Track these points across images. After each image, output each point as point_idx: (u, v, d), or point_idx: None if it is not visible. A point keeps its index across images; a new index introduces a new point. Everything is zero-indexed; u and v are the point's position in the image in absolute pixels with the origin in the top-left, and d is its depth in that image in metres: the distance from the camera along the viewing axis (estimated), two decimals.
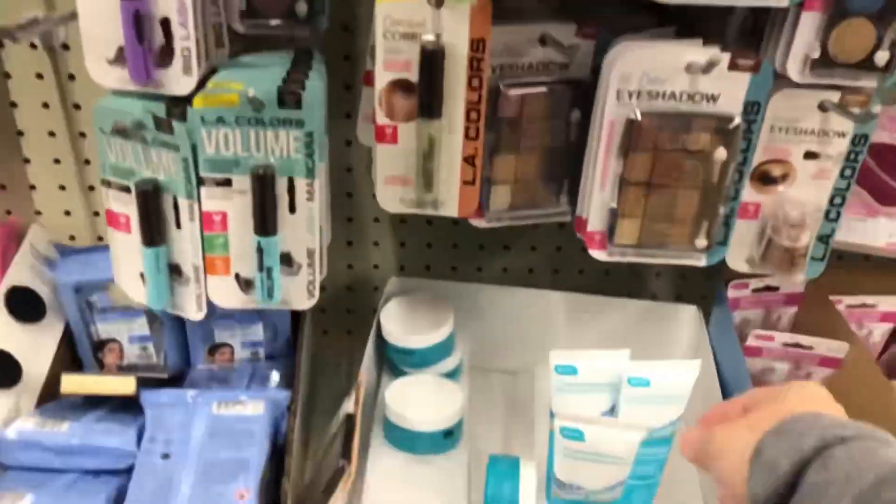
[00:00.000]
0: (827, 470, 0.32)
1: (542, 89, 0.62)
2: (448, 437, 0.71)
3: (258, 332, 0.78)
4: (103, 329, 0.77)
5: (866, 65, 0.56)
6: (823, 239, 0.66)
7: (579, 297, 0.85)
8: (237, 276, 0.60)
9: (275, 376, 0.76)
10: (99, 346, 0.77)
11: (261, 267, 0.58)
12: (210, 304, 0.62)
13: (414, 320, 0.78)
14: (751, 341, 0.72)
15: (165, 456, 0.63)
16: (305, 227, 0.58)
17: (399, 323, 0.77)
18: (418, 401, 0.72)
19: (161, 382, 0.76)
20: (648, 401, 0.61)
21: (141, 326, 0.77)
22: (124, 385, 0.67)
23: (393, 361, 0.79)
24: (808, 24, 0.56)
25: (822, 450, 0.33)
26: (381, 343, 0.78)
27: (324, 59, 0.65)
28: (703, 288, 0.88)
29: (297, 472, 0.70)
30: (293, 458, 0.66)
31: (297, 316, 0.81)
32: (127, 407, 0.69)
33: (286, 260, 0.59)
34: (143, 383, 0.70)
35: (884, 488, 0.29)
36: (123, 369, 0.78)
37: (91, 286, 0.74)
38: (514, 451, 0.77)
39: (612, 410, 0.64)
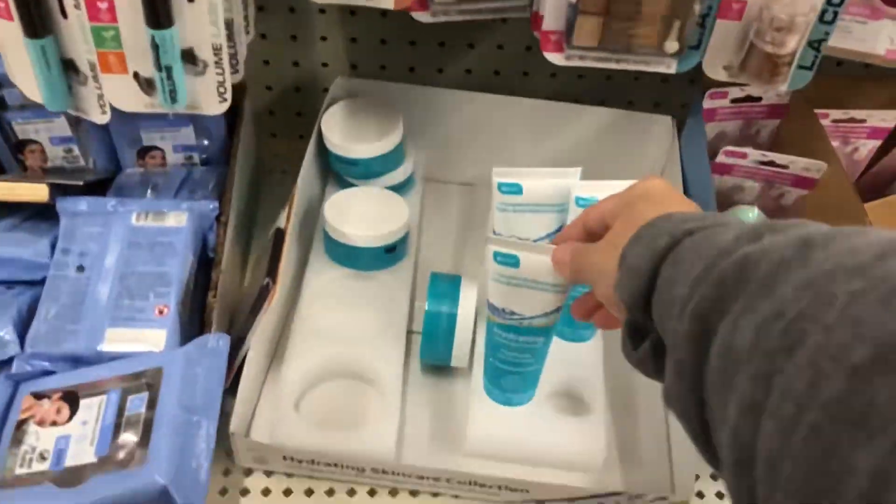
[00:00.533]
0: (676, 263, 0.33)
1: None
2: (390, 253, 0.67)
3: (189, 135, 0.72)
4: (20, 129, 0.70)
5: None
6: (814, 45, 0.58)
7: (547, 104, 0.78)
8: (136, 76, 0.53)
9: (208, 183, 0.70)
10: (18, 147, 0.71)
11: (158, 65, 0.51)
12: None
13: (359, 127, 0.71)
14: (721, 158, 0.65)
15: (80, 268, 0.59)
16: (207, 17, 0.50)
17: (342, 130, 0.71)
18: (359, 215, 0.67)
19: (92, 186, 0.71)
20: None
21: (61, 127, 0.70)
22: (36, 191, 0.62)
23: (337, 172, 0.74)
24: None
25: (672, 246, 0.34)
26: (325, 151, 0.72)
27: None
28: (686, 95, 0.80)
29: (231, 286, 0.67)
30: (221, 272, 0.62)
31: (234, 118, 0.74)
32: (44, 215, 0.64)
33: (188, 57, 0.52)
34: (69, 188, 0.65)
35: (718, 263, 0.30)
36: (49, 172, 0.73)
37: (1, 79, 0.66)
38: (465, 268, 0.74)
39: (559, 231, 0.59)
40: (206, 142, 0.73)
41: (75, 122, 0.70)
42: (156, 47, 0.50)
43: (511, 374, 0.57)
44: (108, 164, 0.74)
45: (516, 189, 0.57)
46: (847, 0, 0.55)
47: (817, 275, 0.26)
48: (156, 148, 0.73)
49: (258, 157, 0.82)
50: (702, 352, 0.30)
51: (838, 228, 0.29)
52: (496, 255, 0.50)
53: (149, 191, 0.70)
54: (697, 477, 0.58)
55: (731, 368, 0.27)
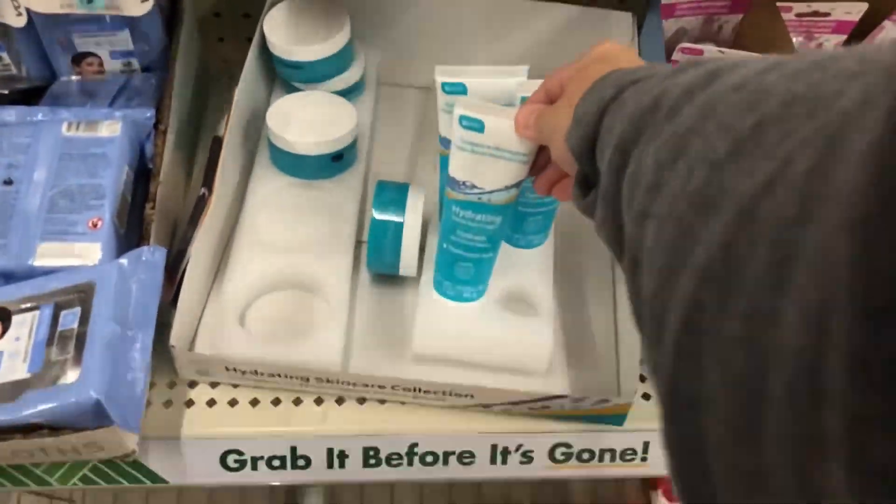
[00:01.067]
0: (619, 109, 0.34)
1: None
2: (337, 161, 0.65)
3: (126, 40, 0.68)
4: None
5: None
6: None
7: (505, 0, 0.74)
8: None
9: (147, 91, 0.67)
10: None
11: None
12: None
13: (303, 28, 0.68)
14: (677, 56, 0.63)
15: (7, 182, 0.57)
16: None
17: (285, 32, 0.67)
18: (304, 121, 0.64)
19: (27, 95, 0.68)
20: None
21: None
22: None
23: (283, 77, 0.71)
24: None
25: (617, 94, 0.35)
26: (269, 55, 0.69)
27: None
28: None
29: (173, 197, 0.65)
30: (160, 183, 0.60)
31: (173, 21, 0.71)
32: None
33: None
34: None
35: (642, 100, 0.32)
36: None
37: None
38: (418, 173, 0.72)
39: None
40: (144, 47, 0.69)
41: (3, 30, 0.66)
42: None
43: (464, 262, 0.56)
44: (42, 72, 0.70)
45: (460, 88, 0.54)
46: None
47: (711, 96, 0.28)
48: (92, 54, 0.69)
49: (203, 61, 0.78)
50: (619, 180, 0.32)
51: (749, 57, 0.31)
52: (462, 118, 0.49)
53: (84, 99, 0.67)
54: (643, 379, 0.59)
55: (634, 189, 0.30)
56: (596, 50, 0.43)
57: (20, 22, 0.53)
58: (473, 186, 0.51)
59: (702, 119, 0.27)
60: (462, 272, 0.57)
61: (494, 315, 0.59)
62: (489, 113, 0.48)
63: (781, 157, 0.22)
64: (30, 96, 0.69)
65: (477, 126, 0.48)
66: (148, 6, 0.52)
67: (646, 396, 0.60)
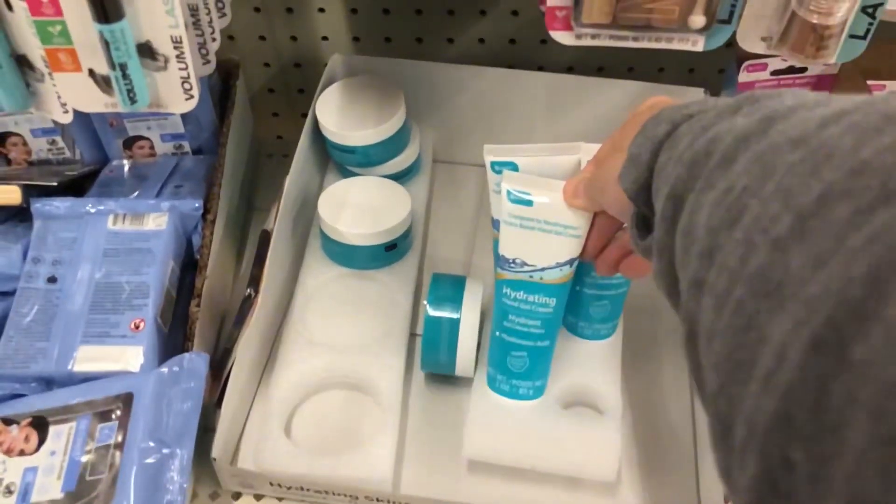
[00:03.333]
0: (671, 147, 0.32)
1: None
2: (391, 251, 0.62)
3: (177, 123, 0.67)
4: None
5: None
6: (869, 10, 0.49)
7: (566, 77, 0.71)
8: (92, 73, 0.48)
9: (198, 174, 0.66)
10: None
11: (111, 63, 0.45)
12: None
13: (356, 111, 0.65)
14: None
15: (52, 279, 0.55)
16: (162, 6, 0.44)
17: (338, 115, 0.65)
18: (356, 209, 0.61)
19: (79, 181, 0.67)
20: None
21: (41, 118, 0.66)
22: (7, 194, 0.58)
23: (336, 160, 0.68)
24: None
25: (672, 130, 0.33)
26: (321, 137, 0.66)
27: None
28: (724, 61, 0.72)
29: (221, 290, 0.62)
30: (206, 278, 0.58)
31: (226, 102, 0.69)
32: (20, 216, 0.60)
33: (146, 52, 0.46)
34: (44, 190, 0.60)
35: (695, 142, 0.29)
36: (34, 165, 0.69)
37: None
38: (478, 257, 0.68)
39: None
40: (196, 129, 0.68)
41: None
42: (106, 43, 0.45)
43: (517, 350, 0.52)
44: (95, 155, 0.69)
45: (511, 167, 0.51)
46: None
47: (767, 148, 0.25)
48: (143, 138, 0.68)
49: (257, 139, 0.77)
50: (672, 232, 0.30)
51: (806, 98, 0.27)
52: (509, 192, 0.46)
53: (135, 184, 0.66)
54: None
55: (689, 246, 0.27)
56: (646, 103, 0.41)
57: (66, 119, 0.51)
58: (524, 264, 0.48)
59: (759, 178, 0.25)
60: (516, 363, 0.53)
61: (554, 414, 0.54)
62: (537, 186, 0.46)
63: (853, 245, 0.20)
64: (82, 180, 0.68)
65: (525, 200, 0.46)
66: (193, 104, 0.49)
67: None
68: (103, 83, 0.48)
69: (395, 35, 0.75)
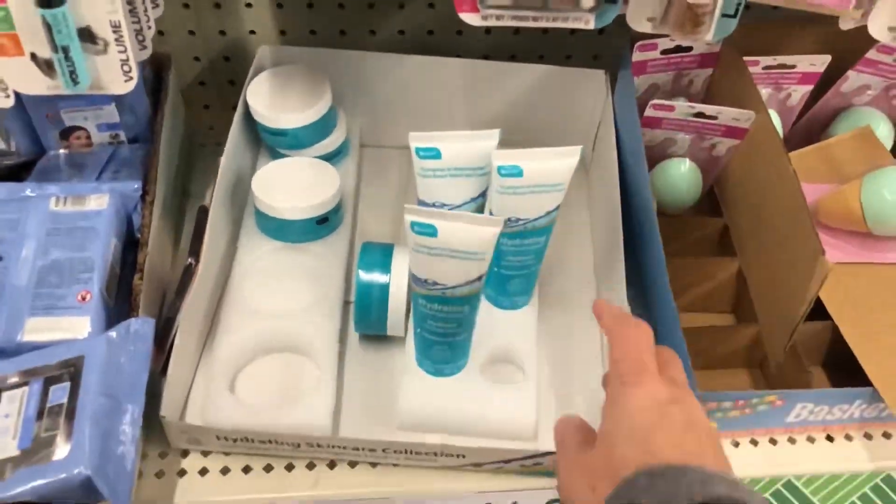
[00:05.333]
0: None
1: None
2: (322, 224, 0.66)
3: (112, 113, 0.70)
4: None
5: None
6: None
7: (480, 63, 0.76)
8: (34, 57, 0.51)
9: (134, 161, 0.69)
10: None
11: (54, 47, 0.49)
12: None
13: (285, 96, 0.69)
14: (649, 112, 0.65)
15: None
16: None
17: (268, 100, 0.69)
18: (288, 186, 0.66)
19: (15, 170, 0.69)
20: (522, 191, 0.55)
21: None
22: None
23: (268, 144, 0.72)
24: None
25: None
26: (253, 123, 0.70)
27: None
28: (623, 46, 0.79)
29: (161, 266, 0.66)
30: (147, 254, 0.61)
31: (159, 93, 0.72)
32: None
33: (86, 36, 0.50)
34: None
35: None
36: None
37: None
38: (404, 233, 0.73)
39: (483, 196, 0.59)
40: (131, 119, 0.71)
41: None
42: (48, 27, 0.48)
43: (439, 345, 0.57)
44: (31, 147, 0.71)
45: (434, 153, 0.56)
46: None
47: None
48: (79, 128, 0.71)
49: (190, 130, 0.80)
50: None
51: None
52: (413, 224, 0.50)
53: (73, 172, 0.68)
54: None
55: None
56: (631, 401, 0.38)
57: (8, 103, 0.54)
58: (436, 283, 0.52)
59: None
60: (439, 354, 0.58)
61: (477, 384, 0.60)
62: (440, 218, 0.50)
63: None
64: (18, 171, 0.70)
65: (430, 231, 0.50)
66: (131, 85, 0.53)
67: None
68: (45, 66, 0.51)
69: (319, 28, 0.80)
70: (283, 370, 0.61)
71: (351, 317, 0.65)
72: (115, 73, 0.52)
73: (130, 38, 0.52)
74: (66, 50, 0.49)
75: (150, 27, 0.58)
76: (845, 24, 0.60)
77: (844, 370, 0.59)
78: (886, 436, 0.63)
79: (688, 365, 0.56)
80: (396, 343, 0.64)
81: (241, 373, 0.61)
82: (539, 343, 0.63)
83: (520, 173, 0.54)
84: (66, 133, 0.71)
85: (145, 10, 0.56)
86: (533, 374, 0.60)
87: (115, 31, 0.50)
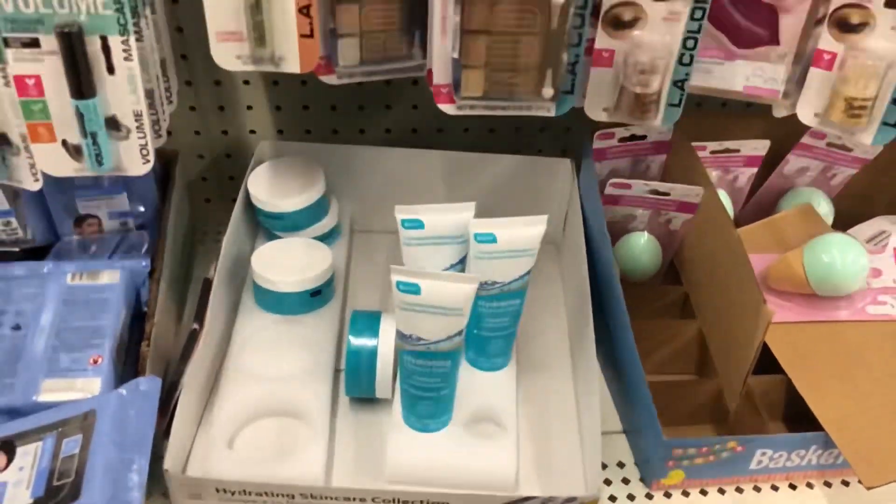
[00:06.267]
0: None
1: None
2: (316, 297, 0.72)
3: (123, 202, 0.77)
4: None
5: None
6: (678, 84, 0.65)
7: (461, 154, 0.85)
8: (65, 143, 0.58)
9: (142, 245, 0.75)
10: None
11: (84, 132, 0.56)
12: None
13: (282, 184, 0.77)
14: (609, 190, 0.72)
15: (16, 327, 0.63)
16: (127, 87, 0.56)
17: (266, 187, 0.76)
18: (284, 262, 0.72)
19: (29, 253, 0.75)
20: (497, 255, 0.62)
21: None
22: None
23: (266, 227, 0.79)
24: None
25: None
26: (253, 209, 0.77)
27: None
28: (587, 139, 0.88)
29: (165, 336, 0.71)
30: (153, 324, 0.66)
31: (166, 186, 0.79)
32: None
33: (112, 124, 0.57)
34: (6, 255, 0.69)
35: None
36: None
37: None
38: (391, 305, 0.79)
39: (462, 262, 0.65)
40: (140, 208, 0.78)
41: (12, 195, 0.74)
42: (80, 116, 0.55)
43: (425, 400, 0.61)
44: (46, 234, 0.78)
45: (418, 224, 0.62)
46: (699, 45, 0.63)
47: None
48: (92, 216, 0.77)
49: (192, 221, 0.87)
50: None
51: None
52: (399, 284, 0.56)
53: (85, 255, 0.74)
54: (605, 466, 0.63)
55: None
56: None
57: (36, 186, 0.61)
58: (420, 339, 0.58)
59: None
60: (424, 409, 0.63)
61: (461, 439, 0.64)
62: (423, 277, 0.56)
63: None
64: (32, 255, 0.76)
65: (414, 289, 0.56)
66: (148, 167, 0.60)
67: (612, 498, 0.64)
68: (74, 151, 0.59)
69: (313, 128, 0.88)
70: (278, 430, 0.66)
71: (342, 384, 0.69)
72: (134, 156, 0.60)
73: (149, 127, 0.59)
74: (94, 136, 0.57)
75: (165, 119, 0.65)
76: (778, 112, 0.69)
77: (803, 423, 0.64)
78: (845, 483, 0.67)
79: (655, 420, 0.61)
80: (385, 405, 0.69)
81: (240, 434, 0.65)
82: (518, 401, 0.68)
83: (494, 239, 0.61)
84: (80, 220, 0.77)
85: (162, 104, 0.64)
86: (513, 429, 0.65)
87: (136, 120, 0.58)
